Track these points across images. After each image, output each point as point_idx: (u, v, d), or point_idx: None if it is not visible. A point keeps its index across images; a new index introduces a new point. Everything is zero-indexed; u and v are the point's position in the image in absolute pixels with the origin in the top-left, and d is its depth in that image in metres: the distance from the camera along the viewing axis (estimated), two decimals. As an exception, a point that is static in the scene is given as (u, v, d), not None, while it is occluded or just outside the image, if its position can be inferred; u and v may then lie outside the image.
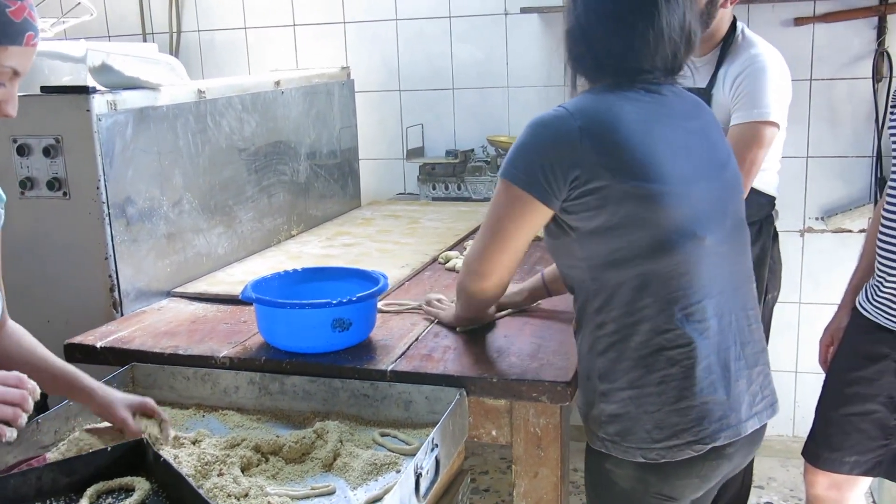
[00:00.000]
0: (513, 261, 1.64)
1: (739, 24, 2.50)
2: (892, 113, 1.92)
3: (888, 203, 1.83)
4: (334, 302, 1.72)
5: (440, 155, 3.56)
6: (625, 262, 1.50)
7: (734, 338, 1.56)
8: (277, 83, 2.77)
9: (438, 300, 2.04)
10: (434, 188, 3.47)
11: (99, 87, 2.06)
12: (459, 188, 3.43)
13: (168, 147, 2.23)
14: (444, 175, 3.45)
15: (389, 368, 1.70)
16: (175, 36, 3.81)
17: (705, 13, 2.44)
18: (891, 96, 1.99)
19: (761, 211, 2.54)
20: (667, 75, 1.59)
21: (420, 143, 3.62)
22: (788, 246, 3.30)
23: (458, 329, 1.90)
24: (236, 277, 2.36)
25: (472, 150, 3.50)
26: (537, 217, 1.54)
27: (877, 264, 1.86)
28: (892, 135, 1.87)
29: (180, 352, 1.84)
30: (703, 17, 2.45)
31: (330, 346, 1.76)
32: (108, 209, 2.05)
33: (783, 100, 2.37)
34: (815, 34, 3.16)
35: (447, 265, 2.45)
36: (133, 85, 2.13)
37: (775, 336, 3.11)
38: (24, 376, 1.24)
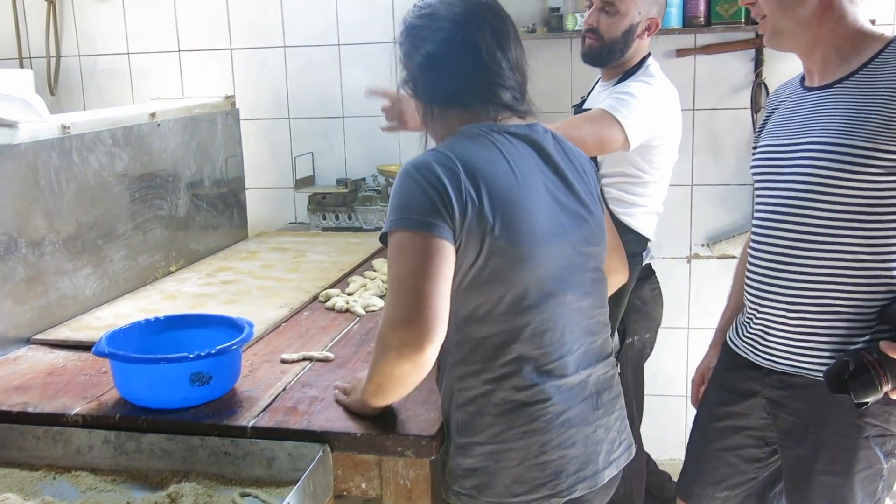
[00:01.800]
0: (439, 321, 1.39)
1: (650, 59, 2.53)
2: (754, 148, 1.94)
3: (753, 240, 1.85)
4: (191, 356, 1.64)
5: (331, 184, 3.50)
6: (488, 319, 1.48)
7: (593, 388, 1.56)
8: (153, 115, 2.67)
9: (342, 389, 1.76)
10: (324, 218, 3.40)
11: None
12: (350, 218, 3.37)
13: (26, 186, 2.12)
14: (335, 205, 3.39)
15: (251, 424, 1.64)
16: (54, 61, 3.66)
17: (621, 42, 2.46)
18: (755, 132, 2.01)
19: (628, 248, 2.54)
20: (522, 100, 1.59)
21: (311, 172, 3.56)
22: (676, 272, 3.35)
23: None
24: (104, 321, 2.25)
25: (363, 179, 3.45)
26: (444, 257, 1.40)
27: (746, 300, 1.88)
28: (754, 174, 1.90)
29: (30, 409, 1.73)
30: (620, 46, 2.47)
31: (189, 401, 1.68)
32: (-43, 255, 1.93)
33: (648, 124, 2.36)
34: (697, 66, 3.23)
35: (327, 304, 2.39)
36: (-15, 122, 2.01)
37: (665, 360, 3.15)
38: None
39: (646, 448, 2.91)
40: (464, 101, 1.57)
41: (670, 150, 2.51)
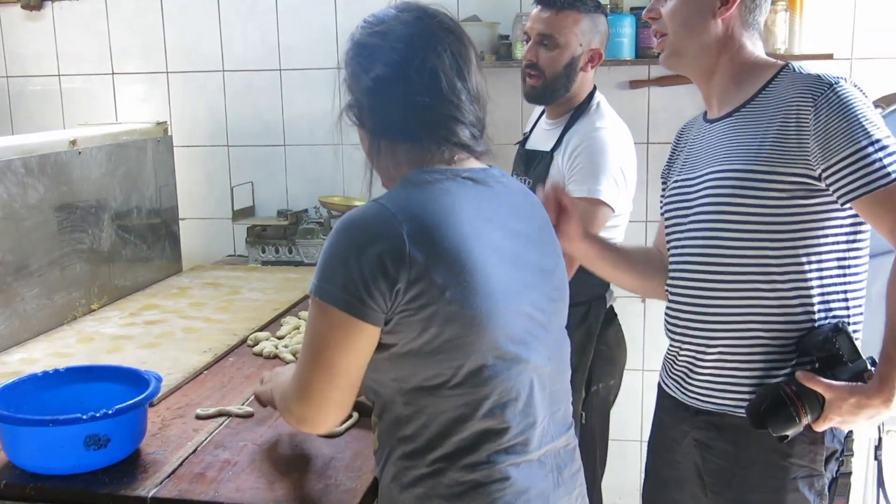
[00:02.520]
0: (347, 398, 1.33)
1: (598, 95, 2.42)
2: (662, 185, 1.88)
3: (668, 277, 1.77)
4: (85, 417, 1.47)
5: (272, 215, 3.34)
6: (443, 391, 1.31)
7: (553, 463, 1.41)
8: (73, 142, 2.50)
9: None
10: (263, 251, 3.24)
11: None
12: (291, 251, 3.21)
13: (-79, 221, 1.94)
14: (275, 237, 3.23)
15: (150, 494, 1.46)
16: (-21, 82, 3.47)
17: (564, 76, 2.35)
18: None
19: (590, 291, 2.43)
20: (481, 137, 1.41)
21: (250, 203, 3.39)
22: (630, 312, 3.22)
23: None
24: (9, 367, 2.07)
25: (305, 211, 3.30)
26: (366, 340, 1.28)
27: (668, 338, 1.78)
28: (663, 212, 1.82)
29: None
30: (563, 80, 2.35)
31: (84, 466, 1.50)
32: None
33: (620, 181, 2.28)
34: (651, 97, 3.13)
35: (255, 349, 2.22)
36: None
37: (619, 403, 3.02)
38: None
39: (602, 494, 2.77)
40: (416, 137, 1.37)
41: (631, 192, 2.40)
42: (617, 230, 2.42)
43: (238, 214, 3.28)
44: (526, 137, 2.57)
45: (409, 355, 1.30)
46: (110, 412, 1.49)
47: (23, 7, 3.36)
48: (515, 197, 1.46)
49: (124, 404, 1.52)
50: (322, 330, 1.29)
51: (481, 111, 1.41)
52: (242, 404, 1.85)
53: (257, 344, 2.24)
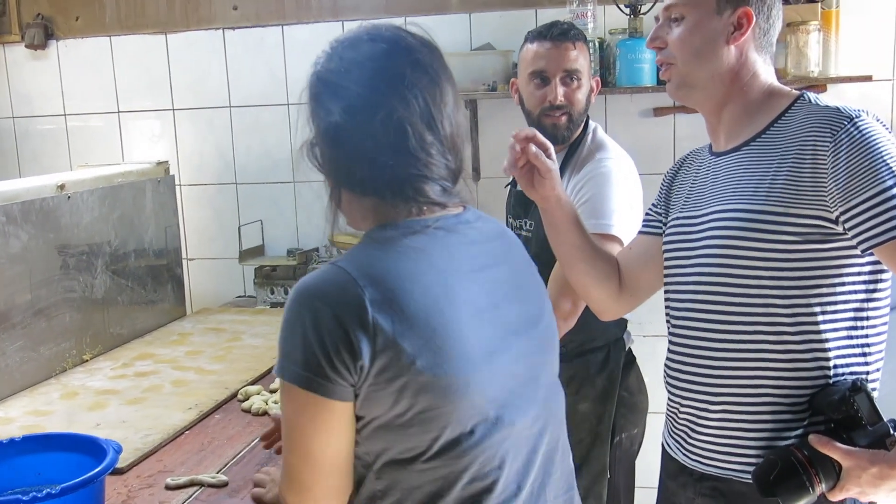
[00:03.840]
0: (341, 481, 1.20)
1: (592, 124, 2.25)
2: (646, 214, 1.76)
3: (669, 325, 1.60)
4: (26, 498, 1.32)
5: (282, 254, 3.21)
6: (419, 463, 1.17)
7: None
8: (61, 187, 2.39)
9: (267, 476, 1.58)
10: (272, 292, 3.11)
11: None
12: (300, 292, 3.07)
13: None
14: (284, 278, 3.10)
15: (96, 585, 1.32)
16: (-14, 123, 3.41)
17: (584, 112, 2.23)
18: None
19: (607, 334, 2.25)
20: (453, 186, 1.26)
21: (260, 241, 3.27)
22: (658, 352, 3.02)
23: None
24: (-18, 427, 1.95)
25: (316, 250, 3.16)
26: (340, 418, 1.15)
27: (668, 393, 1.61)
28: (664, 251, 1.64)
29: None
30: (581, 118, 2.23)
31: (26, 552, 1.36)
32: None
33: (629, 213, 2.10)
34: (676, 125, 2.95)
35: (244, 404, 2.07)
36: None
37: (648, 450, 2.81)
38: None
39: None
40: (379, 195, 1.22)
41: (638, 224, 2.22)
42: None
43: (246, 254, 3.15)
44: None
45: (381, 429, 1.16)
46: (55, 491, 1.35)
47: (27, 46, 3.29)
48: (492, 243, 1.31)
49: (71, 482, 1.37)
50: (291, 414, 1.17)
51: (455, 159, 1.26)
52: (218, 471, 1.70)
53: (247, 399, 2.10)
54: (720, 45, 1.50)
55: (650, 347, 2.88)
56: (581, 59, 2.19)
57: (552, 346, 1.36)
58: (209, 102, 3.25)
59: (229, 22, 3.21)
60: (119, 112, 3.33)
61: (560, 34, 2.18)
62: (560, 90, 2.17)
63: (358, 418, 1.17)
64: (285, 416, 1.18)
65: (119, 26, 3.27)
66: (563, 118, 2.19)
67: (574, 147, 2.23)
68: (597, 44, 2.77)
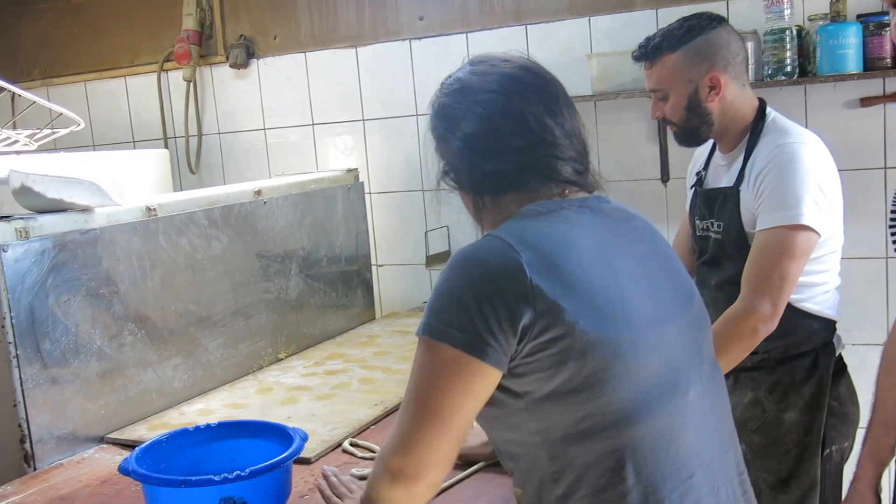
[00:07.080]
0: (453, 450, 1.20)
1: (769, 110, 2.11)
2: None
3: None
4: (218, 478, 1.38)
5: (468, 260, 3.22)
6: (595, 435, 1.15)
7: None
8: (258, 193, 2.51)
9: (345, 488, 1.56)
10: (458, 297, 3.12)
11: (24, 211, 1.86)
12: (485, 297, 3.07)
13: (102, 274, 1.98)
14: (469, 283, 3.11)
15: (282, 566, 1.35)
16: (195, 140, 3.65)
17: (695, 116, 2.11)
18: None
19: (815, 338, 2.07)
20: (586, 172, 1.31)
21: (446, 247, 3.30)
22: (871, 363, 2.78)
23: None
24: (186, 418, 2.07)
25: (500, 255, 3.15)
26: (483, 384, 1.16)
27: None
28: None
29: (58, 530, 1.54)
30: (696, 120, 2.09)
31: (220, 530, 1.42)
32: (17, 350, 1.80)
33: (821, 199, 1.94)
34: (887, 116, 2.71)
35: (427, 403, 2.09)
36: (57, 208, 1.90)
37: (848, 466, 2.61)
38: None
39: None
40: (518, 184, 1.28)
41: (837, 214, 2.05)
42: (826, 260, 2.05)
43: (432, 260, 3.19)
44: (700, 177, 2.27)
45: (548, 399, 1.15)
46: (244, 473, 1.40)
47: (231, 66, 3.51)
48: (634, 222, 1.34)
49: (259, 466, 1.42)
50: (432, 371, 1.17)
51: (581, 146, 1.31)
52: (400, 465, 1.71)
53: (431, 397, 2.11)
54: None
55: (860, 357, 2.66)
56: (661, 74, 2.10)
57: (707, 324, 1.35)
58: (397, 112, 3.33)
59: (415, 32, 3.27)
60: (314, 124, 3.48)
61: (637, 56, 2.15)
62: (653, 107, 2.17)
63: (524, 393, 1.16)
64: (419, 375, 1.19)
65: (313, 42, 3.42)
66: (673, 128, 2.17)
67: (752, 139, 2.09)
68: (794, 31, 2.60)
